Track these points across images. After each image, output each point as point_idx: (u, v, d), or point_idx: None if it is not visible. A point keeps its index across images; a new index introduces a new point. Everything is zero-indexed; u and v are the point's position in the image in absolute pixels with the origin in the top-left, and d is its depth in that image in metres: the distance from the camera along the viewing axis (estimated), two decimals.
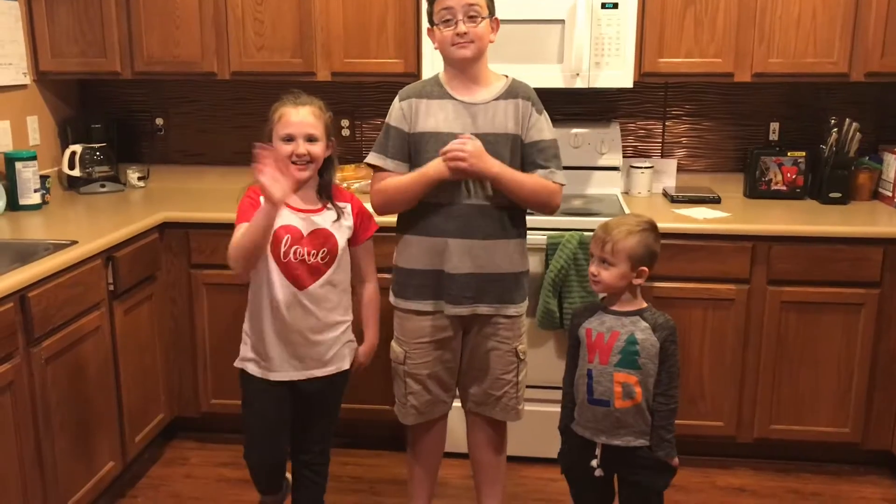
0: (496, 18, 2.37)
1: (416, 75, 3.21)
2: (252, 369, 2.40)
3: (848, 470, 3.18)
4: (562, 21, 3.10)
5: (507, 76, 2.43)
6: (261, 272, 2.32)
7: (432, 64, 3.11)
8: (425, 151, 2.35)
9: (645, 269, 2.20)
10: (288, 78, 3.38)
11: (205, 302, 3.24)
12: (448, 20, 2.28)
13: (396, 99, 2.44)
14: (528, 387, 2.60)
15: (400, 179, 2.36)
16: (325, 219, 2.35)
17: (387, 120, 2.44)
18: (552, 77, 3.15)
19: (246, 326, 2.43)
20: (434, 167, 2.30)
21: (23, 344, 2.34)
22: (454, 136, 2.30)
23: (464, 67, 2.34)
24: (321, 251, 2.32)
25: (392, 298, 2.52)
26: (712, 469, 3.21)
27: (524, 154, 2.38)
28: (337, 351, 2.42)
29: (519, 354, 2.51)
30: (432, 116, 2.36)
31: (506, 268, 2.42)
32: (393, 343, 2.53)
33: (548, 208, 2.41)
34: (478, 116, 2.34)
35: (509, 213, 2.40)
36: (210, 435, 3.42)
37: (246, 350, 2.42)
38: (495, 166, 2.28)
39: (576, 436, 2.28)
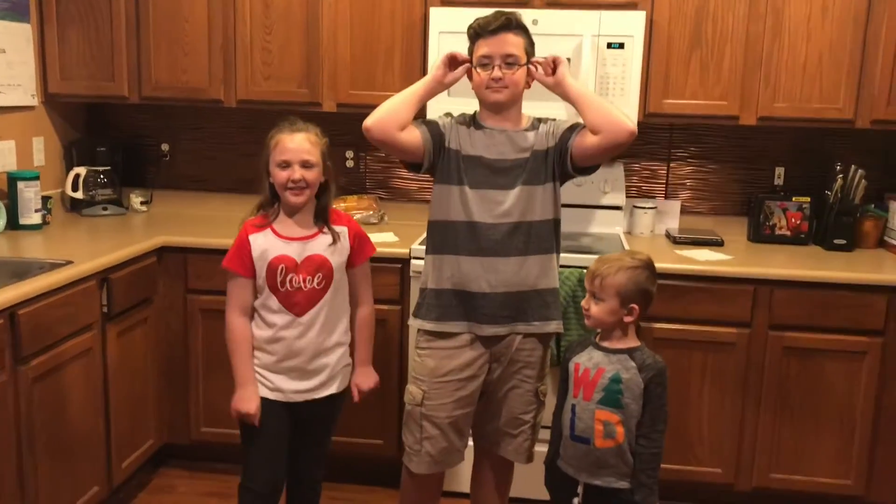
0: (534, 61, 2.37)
1: (422, 113, 3.21)
2: (263, 391, 2.40)
3: None
4: (568, 60, 3.10)
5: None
6: (260, 299, 2.36)
7: (437, 98, 3.11)
8: (457, 170, 2.35)
9: (635, 306, 2.17)
10: (294, 108, 3.39)
11: (200, 328, 3.21)
12: (486, 64, 2.30)
13: (441, 115, 2.46)
14: None
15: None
16: (320, 244, 2.37)
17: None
18: (558, 115, 3.13)
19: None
20: (425, 78, 2.37)
21: (10, 362, 2.31)
22: (488, 159, 2.35)
23: (497, 110, 2.36)
24: (316, 276, 2.34)
25: (415, 322, 2.45)
26: None
27: (561, 139, 2.35)
28: (337, 372, 2.45)
29: (539, 396, 2.48)
30: (467, 139, 2.37)
31: (542, 284, 2.39)
32: (409, 386, 2.46)
33: (622, 127, 2.25)
34: (514, 139, 2.36)
35: (540, 228, 2.37)
36: (199, 463, 3.37)
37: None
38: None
39: (560, 472, 2.24)
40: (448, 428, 2.39)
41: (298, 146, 2.31)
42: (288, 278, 2.32)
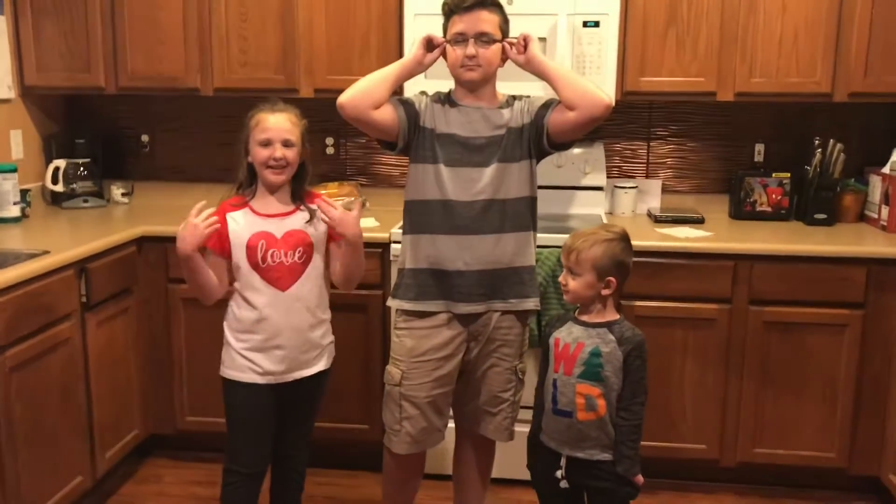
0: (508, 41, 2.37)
1: (399, 92, 3.21)
2: (238, 375, 2.39)
3: (834, 496, 3.11)
4: (544, 39, 3.10)
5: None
6: (241, 281, 2.36)
7: (414, 80, 3.10)
8: (431, 148, 2.35)
9: (612, 279, 2.17)
10: (271, 94, 3.33)
11: (182, 317, 3.21)
12: (460, 41, 2.30)
13: (416, 94, 2.46)
14: None
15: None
16: (298, 220, 2.39)
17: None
18: (535, 94, 3.13)
19: (228, 335, 2.41)
20: (402, 59, 2.38)
21: None
22: (463, 137, 2.34)
23: (471, 88, 2.36)
24: (297, 250, 2.36)
25: (393, 302, 2.46)
26: (694, 493, 3.14)
27: (537, 116, 2.35)
28: (324, 349, 2.47)
29: (518, 373, 2.48)
30: (442, 117, 2.37)
31: (518, 261, 2.40)
32: (388, 366, 2.46)
33: (598, 101, 2.24)
34: (488, 117, 2.36)
35: (516, 205, 2.37)
36: (185, 453, 3.37)
37: (231, 356, 2.40)
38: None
39: (543, 446, 2.24)
40: (427, 407, 2.40)
41: (280, 125, 2.33)
42: (269, 253, 2.33)
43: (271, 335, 2.36)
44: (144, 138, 3.83)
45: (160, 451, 3.41)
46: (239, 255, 2.35)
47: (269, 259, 2.34)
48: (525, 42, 2.33)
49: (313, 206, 2.41)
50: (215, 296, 2.39)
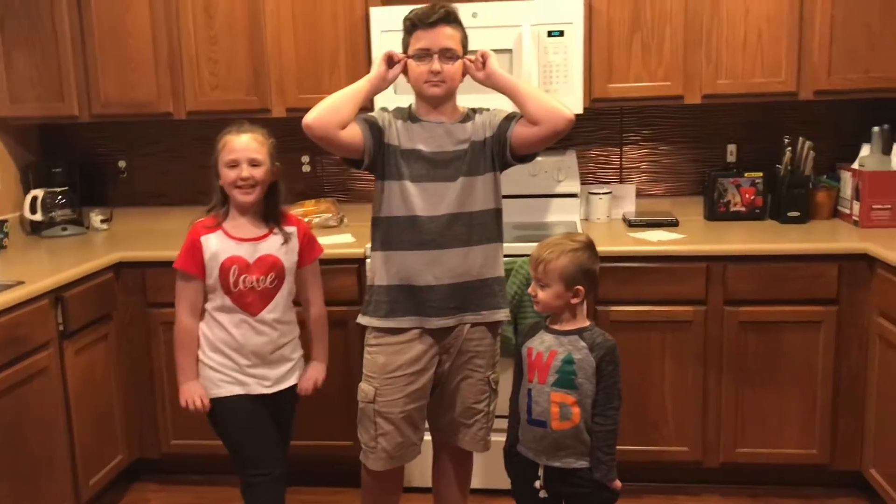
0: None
1: (370, 108, 3.23)
2: (219, 392, 2.44)
3: (818, 493, 3.12)
4: (509, 51, 3.13)
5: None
6: (213, 302, 2.42)
7: (384, 97, 3.12)
8: (396, 165, 2.35)
9: (580, 288, 2.18)
10: (244, 116, 3.35)
11: (162, 340, 3.22)
12: (423, 56, 2.31)
13: (378, 110, 2.46)
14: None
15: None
16: (271, 244, 2.44)
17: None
18: (503, 106, 3.16)
19: (201, 356, 2.45)
20: (366, 77, 2.37)
21: None
22: (427, 153, 2.35)
23: (435, 104, 2.38)
24: (269, 276, 2.42)
25: (363, 319, 2.46)
26: (679, 496, 3.15)
27: (500, 129, 2.36)
28: (295, 363, 2.55)
29: (491, 384, 2.49)
30: (406, 133, 2.38)
31: (487, 273, 2.41)
32: (361, 384, 2.46)
33: (560, 116, 2.26)
34: (451, 132, 2.37)
35: (482, 218, 2.39)
36: (172, 476, 3.38)
37: (208, 376, 2.45)
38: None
39: (520, 457, 2.25)
40: (402, 423, 2.41)
41: (245, 145, 2.39)
42: (241, 279, 2.38)
43: (243, 356, 2.42)
44: (122, 164, 3.86)
45: (147, 476, 3.41)
46: (213, 278, 2.40)
47: (240, 284, 2.39)
48: (483, 59, 2.34)
49: (288, 229, 2.47)
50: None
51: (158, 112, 3.44)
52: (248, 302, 2.40)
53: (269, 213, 2.47)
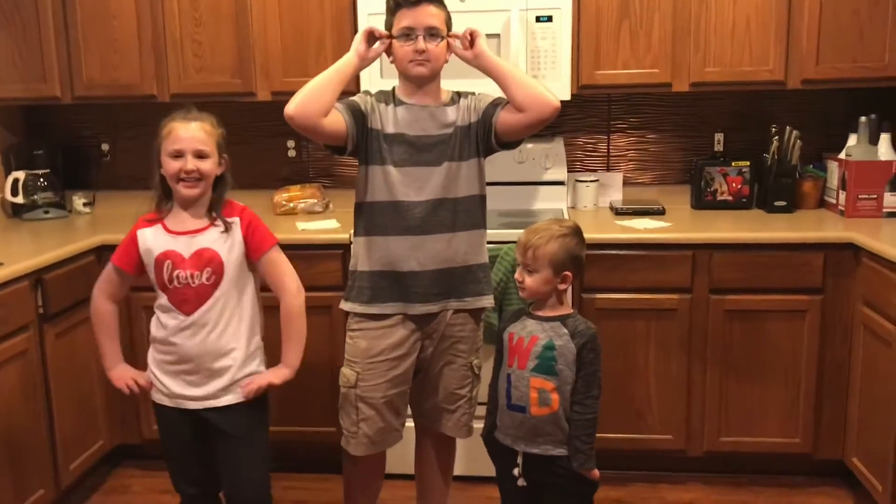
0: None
1: (355, 91, 3.20)
2: (156, 396, 2.31)
3: (801, 481, 3.13)
4: (497, 35, 3.10)
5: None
6: (157, 299, 2.26)
7: (370, 81, 3.11)
8: (379, 150, 2.33)
9: (568, 273, 2.17)
10: (228, 99, 3.39)
11: (144, 325, 3.15)
12: (407, 35, 2.28)
13: (360, 94, 2.42)
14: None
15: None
16: (209, 237, 2.22)
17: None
18: (490, 91, 3.14)
19: (149, 352, 2.33)
20: (345, 56, 2.32)
21: None
22: (411, 136, 2.32)
23: (420, 84, 2.34)
24: (205, 271, 2.20)
25: (346, 305, 2.43)
26: (662, 484, 3.15)
27: (485, 115, 2.33)
28: (237, 380, 2.25)
29: (474, 369, 2.48)
30: (389, 117, 2.35)
31: (472, 259, 2.40)
32: (343, 368, 2.44)
33: (547, 104, 2.24)
34: (436, 115, 2.35)
35: (466, 203, 2.37)
36: (154, 462, 3.32)
37: (149, 375, 2.32)
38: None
39: (498, 444, 2.24)
40: (383, 408, 2.39)
41: (192, 135, 2.19)
42: (175, 274, 2.19)
43: (177, 359, 2.24)
44: (105, 147, 3.82)
45: (129, 461, 3.39)
46: (150, 271, 2.25)
47: (175, 281, 2.20)
48: (472, 37, 2.30)
49: (229, 220, 2.25)
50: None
51: (142, 94, 3.40)
52: (182, 300, 2.19)
53: (212, 204, 2.25)
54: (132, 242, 2.27)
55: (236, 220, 2.26)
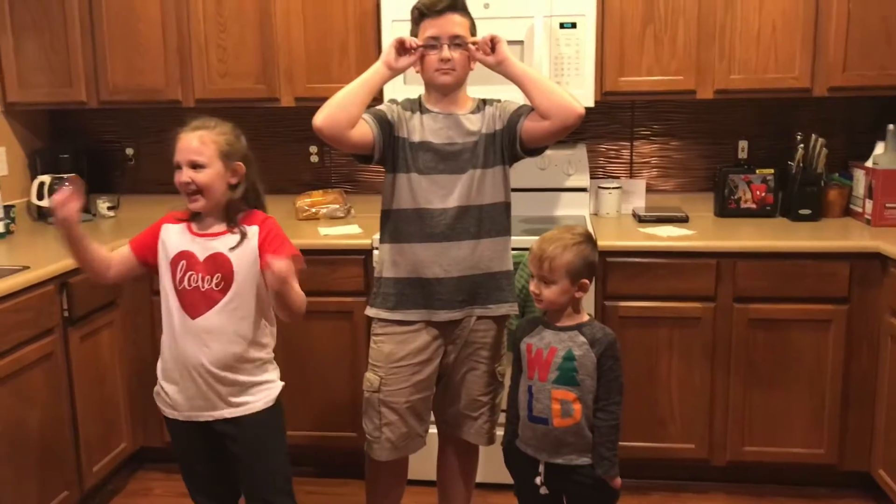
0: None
1: (379, 99, 3.21)
2: (165, 410, 2.25)
3: (825, 493, 3.09)
4: (521, 42, 3.10)
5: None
6: (163, 299, 2.20)
7: (393, 88, 3.11)
8: (405, 158, 2.33)
9: (585, 281, 2.16)
10: (252, 104, 3.41)
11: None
12: (433, 45, 2.28)
13: (386, 102, 2.42)
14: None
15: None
16: (225, 242, 2.15)
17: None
18: (513, 98, 3.13)
19: (157, 368, 2.28)
20: (374, 66, 2.31)
21: None
22: (437, 144, 2.32)
23: (445, 92, 2.35)
24: (215, 276, 2.13)
25: (371, 311, 2.44)
26: (685, 493, 3.13)
27: (510, 122, 2.33)
28: (245, 390, 2.18)
29: (497, 376, 2.48)
30: (415, 125, 2.35)
31: (496, 267, 2.40)
32: (367, 373, 2.45)
33: (571, 110, 2.23)
34: (461, 123, 2.35)
35: (491, 211, 2.37)
36: (175, 466, 3.31)
37: (157, 385, 2.27)
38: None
39: (519, 453, 2.23)
40: (406, 413, 2.39)
41: (187, 146, 2.13)
42: (187, 275, 2.14)
43: (174, 364, 2.18)
44: (129, 151, 3.85)
45: (151, 465, 3.41)
46: (163, 271, 2.19)
47: (185, 282, 2.14)
48: (493, 42, 2.29)
49: (248, 228, 2.17)
50: (100, 273, 2.23)
51: (167, 99, 3.42)
52: (190, 302, 2.13)
53: (231, 210, 2.18)
54: (154, 233, 2.23)
55: (255, 228, 2.18)
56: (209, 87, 3.38)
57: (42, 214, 3.64)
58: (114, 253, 2.26)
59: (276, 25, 3.31)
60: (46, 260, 2.79)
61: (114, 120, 3.83)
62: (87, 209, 3.71)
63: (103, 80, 3.42)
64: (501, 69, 2.31)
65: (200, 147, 2.12)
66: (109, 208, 3.76)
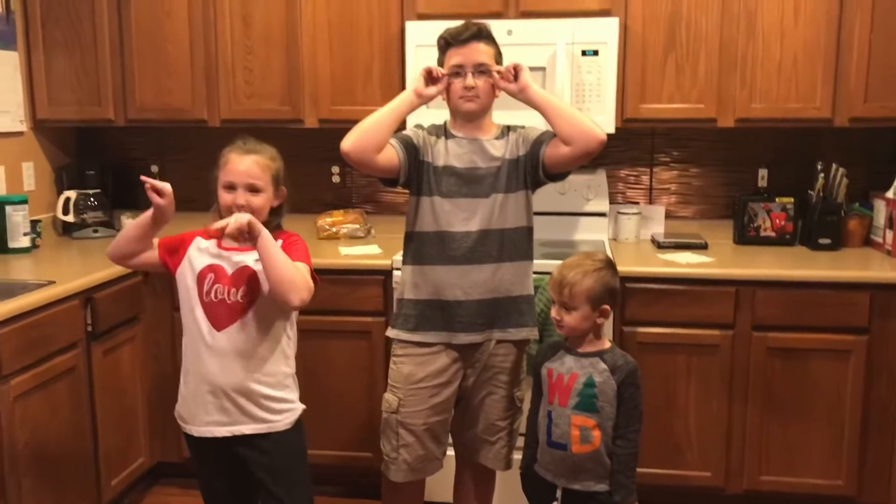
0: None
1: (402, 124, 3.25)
2: (181, 423, 2.26)
3: None
4: (543, 68, 3.13)
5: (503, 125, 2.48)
6: (187, 313, 2.21)
7: (417, 112, 3.14)
8: (429, 182, 2.37)
9: (607, 307, 2.17)
10: (277, 125, 3.46)
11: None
12: (458, 73, 2.33)
13: (412, 128, 2.46)
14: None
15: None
16: (252, 256, 2.16)
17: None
18: (538, 123, 3.16)
19: (180, 385, 2.27)
20: (403, 94, 2.35)
21: None
22: (461, 169, 2.36)
23: (469, 119, 2.39)
24: (241, 289, 2.15)
25: (392, 332, 2.46)
26: None
27: (533, 148, 2.36)
28: (266, 404, 2.18)
29: (516, 401, 2.49)
30: (440, 150, 2.39)
31: (516, 291, 2.42)
32: (386, 394, 2.47)
33: (593, 136, 2.25)
34: (485, 148, 2.38)
35: (513, 235, 2.39)
36: (193, 481, 3.32)
37: (178, 402, 2.28)
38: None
39: (537, 477, 2.23)
40: (424, 435, 2.40)
41: (247, 169, 2.16)
42: (214, 287, 2.16)
43: (197, 378, 2.18)
44: (154, 168, 3.90)
45: (168, 479, 3.43)
46: (189, 282, 2.19)
47: (213, 294, 2.16)
48: (515, 71, 2.33)
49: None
50: (130, 256, 2.23)
51: (193, 119, 3.48)
52: (216, 314, 2.15)
53: (273, 230, 2.18)
54: (183, 242, 2.23)
55: (279, 242, 2.18)
56: (235, 107, 3.44)
57: (67, 229, 3.69)
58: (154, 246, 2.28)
59: (303, 48, 3.36)
60: (72, 275, 2.83)
61: (139, 137, 3.89)
62: (111, 224, 3.76)
63: (131, 98, 3.49)
64: (523, 96, 2.34)
65: (259, 172, 2.17)
66: None
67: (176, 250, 2.24)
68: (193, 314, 2.18)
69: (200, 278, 2.18)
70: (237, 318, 2.15)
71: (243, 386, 2.16)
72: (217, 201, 2.22)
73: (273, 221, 2.23)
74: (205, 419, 2.19)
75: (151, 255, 2.26)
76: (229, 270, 2.18)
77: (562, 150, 2.29)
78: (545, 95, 2.34)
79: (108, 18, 3.44)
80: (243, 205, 2.14)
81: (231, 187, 2.17)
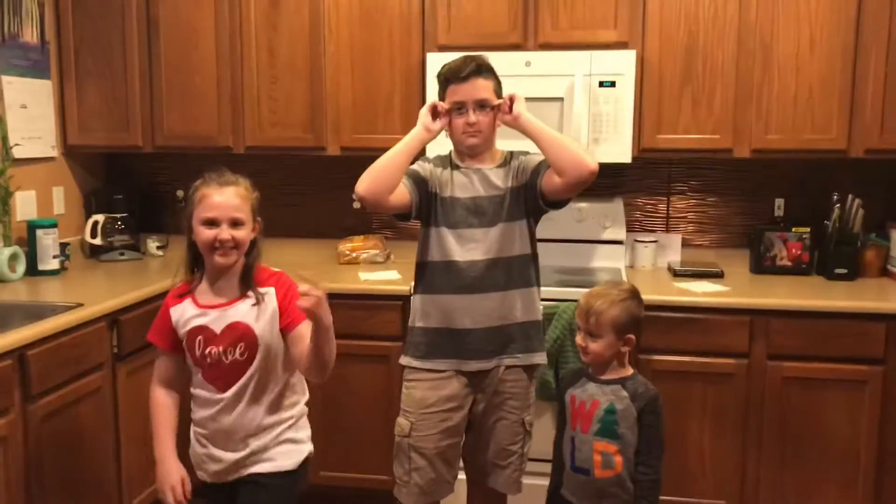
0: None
1: (422, 151, 3.31)
2: (199, 473, 2.24)
3: None
4: (560, 99, 3.19)
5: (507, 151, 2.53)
6: (193, 379, 2.18)
7: (435, 140, 3.21)
8: (436, 213, 2.43)
9: (631, 336, 2.20)
10: (300, 152, 3.54)
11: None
12: (459, 109, 2.38)
13: (419, 161, 2.52)
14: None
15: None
16: (241, 310, 2.09)
17: None
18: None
19: (191, 432, 2.25)
20: (414, 130, 2.40)
21: (19, 400, 2.42)
22: (466, 199, 2.41)
23: (473, 153, 2.45)
24: (238, 347, 2.07)
25: (404, 360, 2.52)
26: None
27: (531, 178, 2.39)
28: (271, 450, 2.15)
29: (526, 426, 2.52)
30: (445, 181, 2.45)
31: (524, 317, 2.46)
32: (399, 418, 2.51)
33: (583, 167, 2.26)
34: (488, 178, 2.44)
35: (519, 263, 2.44)
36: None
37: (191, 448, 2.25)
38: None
39: (564, 500, 2.27)
40: (436, 458, 2.44)
41: (227, 201, 2.05)
42: (208, 351, 2.08)
43: (209, 436, 2.16)
44: (179, 194, 3.99)
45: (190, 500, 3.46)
46: (185, 350, 2.15)
47: (208, 357, 2.09)
48: (511, 101, 2.37)
49: (264, 290, 2.11)
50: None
51: (218, 146, 3.57)
52: (216, 377, 2.09)
53: (244, 273, 2.11)
54: (165, 319, 2.16)
55: (270, 290, 2.12)
56: (259, 135, 3.52)
57: (94, 252, 3.78)
58: (158, 362, 2.23)
59: (326, 79, 3.44)
60: (99, 297, 2.91)
61: (165, 164, 3.99)
62: (137, 247, 3.85)
63: (159, 126, 3.59)
64: (516, 125, 2.37)
65: (240, 203, 2.07)
66: (159, 247, 3.90)
67: (167, 332, 2.17)
68: (195, 376, 2.16)
69: (190, 342, 2.11)
70: (240, 375, 2.10)
71: (254, 439, 2.13)
72: (188, 242, 2.14)
73: (252, 254, 2.13)
74: (219, 469, 2.18)
75: (174, 368, 2.20)
76: (217, 329, 2.09)
77: (555, 179, 2.33)
78: (538, 125, 2.36)
79: (138, 50, 3.55)
80: (228, 239, 2.04)
81: (212, 223, 2.05)
